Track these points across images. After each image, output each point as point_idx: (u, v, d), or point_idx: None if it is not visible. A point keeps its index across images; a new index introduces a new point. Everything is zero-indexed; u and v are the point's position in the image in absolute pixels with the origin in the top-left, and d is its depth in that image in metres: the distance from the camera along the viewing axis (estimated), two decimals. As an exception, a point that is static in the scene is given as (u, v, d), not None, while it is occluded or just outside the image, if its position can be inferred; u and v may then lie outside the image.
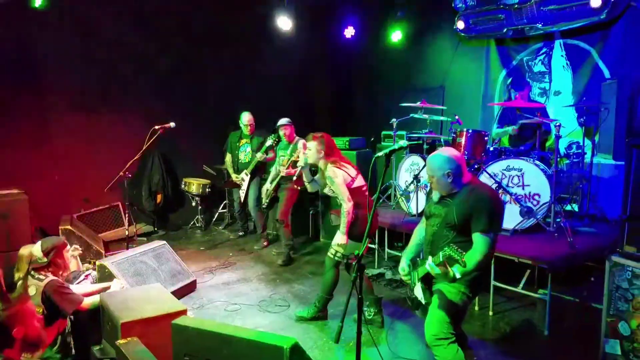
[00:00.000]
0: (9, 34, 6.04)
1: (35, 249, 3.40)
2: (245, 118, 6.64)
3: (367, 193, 4.12)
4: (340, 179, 4.00)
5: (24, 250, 3.44)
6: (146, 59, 7.22)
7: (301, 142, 5.55)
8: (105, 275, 4.25)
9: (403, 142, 2.90)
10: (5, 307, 2.32)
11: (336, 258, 4.11)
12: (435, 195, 3.07)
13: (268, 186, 6.01)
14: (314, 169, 4.41)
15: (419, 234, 3.26)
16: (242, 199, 6.54)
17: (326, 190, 4.21)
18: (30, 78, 6.33)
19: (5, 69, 6.00)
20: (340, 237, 4.01)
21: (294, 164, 5.64)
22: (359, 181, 4.13)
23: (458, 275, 2.59)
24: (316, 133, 4.21)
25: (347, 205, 3.97)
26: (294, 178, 5.76)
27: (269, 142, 6.09)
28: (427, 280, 3.02)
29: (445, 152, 2.99)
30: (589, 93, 5.86)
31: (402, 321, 4.30)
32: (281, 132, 6.02)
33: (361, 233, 3.95)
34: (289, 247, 6.03)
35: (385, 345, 3.81)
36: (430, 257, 2.69)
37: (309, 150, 4.17)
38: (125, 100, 7.11)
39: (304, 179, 4.44)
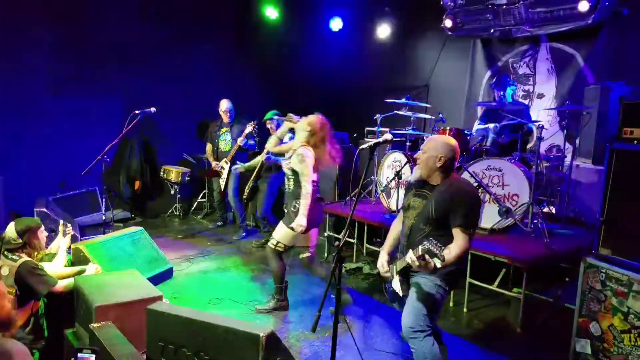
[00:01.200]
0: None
1: (9, 230, 3.32)
2: (224, 105, 6.59)
3: (316, 188, 4.14)
4: (310, 160, 3.96)
5: None
6: (129, 43, 7.08)
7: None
8: (80, 259, 4.17)
9: (388, 136, 2.90)
10: None
11: (277, 249, 4.14)
12: (414, 173, 3.07)
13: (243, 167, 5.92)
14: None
15: (396, 228, 3.26)
16: (222, 188, 6.49)
17: (285, 165, 4.11)
18: (8, 59, 6.16)
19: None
20: (301, 219, 3.93)
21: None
22: (315, 176, 4.10)
23: (439, 266, 2.61)
24: (323, 117, 4.19)
25: (309, 187, 3.95)
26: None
27: (248, 129, 6.06)
28: (405, 274, 3.03)
29: (450, 140, 3.00)
30: (572, 97, 5.92)
31: (378, 315, 4.32)
32: (268, 126, 5.91)
33: (308, 225, 4.03)
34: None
35: (362, 337, 3.83)
36: (410, 251, 2.70)
37: (304, 121, 4.13)
38: (106, 83, 6.97)
39: (276, 133, 4.49)
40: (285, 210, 4.20)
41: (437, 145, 2.94)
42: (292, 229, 3.99)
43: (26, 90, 6.37)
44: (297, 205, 4.01)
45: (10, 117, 6.24)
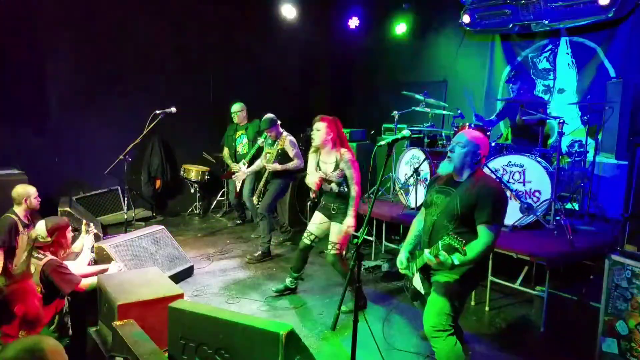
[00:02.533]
0: (10, 17, 5.98)
1: (39, 228, 3.39)
2: (235, 109, 6.65)
3: None
4: (357, 164, 4.08)
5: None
6: (149, 44, 7.18)
7: (289, 137, 5.55)
8: (103, 258, 4.24)
9: (406, 132, 2.87)
10: (7, 284, 2.32)
11: (336, 252, 4.16)
12: (442, 168, 3.03)
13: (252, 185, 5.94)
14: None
15: (417, 225, 3.23)
16: (237, 190, 6.50)
17: (332, 174, 4.13)
18: (32, 61, 6.29)
19: (7, 51, 5.95)
20: (349, 220, 4.04)
21: (281, 157, 5.54)
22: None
23: (457, 262, 2.58)
24: (326, 116, 4.18)
25: (357, 189, 4.05)
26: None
27: (260, 141, 6.02)
28: (426, 271, 3.00)
29: (483, 136, 2.99)
30: (594, 92, 5.83)
31: (399, 313, 4.30)
32: (268, 133, 5.66)
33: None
34: (266, 245, 5.71)
35: (382, 337, 3.81)
36: (426, 250, 2.67)
37: (317, 130, 4.12)
38: (127, 84, 7.07)
39: (332, 179, 4.16)
40: (324, 210, 4.30)
41: (475, 141, 2.92)
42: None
43: (50, 90, 6.49)
44: (340, 206, 4.12)
45: (34, 117, 6.37)
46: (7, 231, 4.16)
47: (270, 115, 5.58)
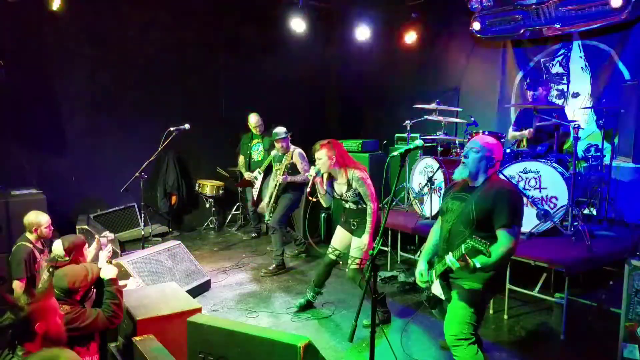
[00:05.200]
0: (26, 38, 6.14)
1: (56, 248, 3.44)
2: (253, 120, 6.70)
3: None
4: (369, 180, 4.11)
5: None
6: (161, 62, 7.29)
7: (297, 150, 5.59)
8: (121, 274, 4.28)
9: (418, 142, 2.88)
10: (30, 302, 2.35)
11: (356, 266, 4.15)
12: (457, 174, 3.03)
13: (267, 200, 5.89)
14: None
15: (435, 234, 3.23)
16: (255, 198, 6.55)
17: (347, 194, 4.16)
18: (47, 81, 6.43)
19: (23, 71, 6.08)
20: (365, 238, 4.06)
21: (290, 170, 5.61)
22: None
23: (478, 265, 2.57)
24: (322, 141, 4.21)
25: (374, 206, 4.08)
26: (307, 189, 4.74)
27: (273, 152, 6.04)
28: (445, 277, 2.99)
29: (496, 141, 3.00)
30: (609, 95, 5.77)
31: (416, 324, 4.27)
32: (277, 145, 5.72)
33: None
34: (279, 258, 5.72)
35: (399, 347, 3.79)
36: (450, 253, 2.66)
37: (319, 159, 4.16)
38: (141, 102, 7.17)
39: (318, 190, 4.31)
40: (346, 225, 4.33)
41: (489, 146, 2.93)
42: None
43: (66, 110, 6.62)
44: (361, 222, 4.15)
45: (51, 137, 6.50)
46: (24, 261, 4.01)
47: (281, 127, 5.68)
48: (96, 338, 3.05)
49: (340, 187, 4.23)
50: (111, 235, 4.20)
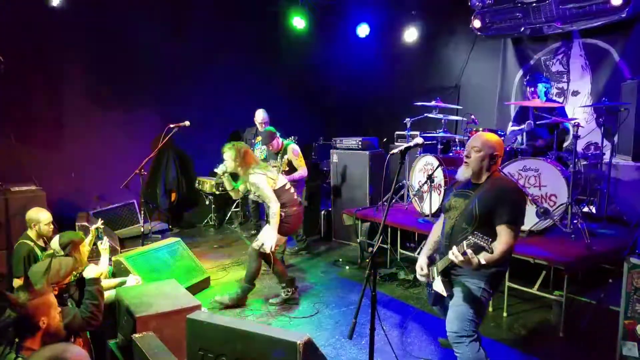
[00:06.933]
0: (26, 34, 6.12)
1: (53, 244, 3.44)
2: (259, 116, 6.64)
3: (292, 191, 4.54)
4: (263, 184, 4.31)
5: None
6: (163, 58, 7.28)
7: (292, 146, 5.61)
8: (121, 271, 4.29)
9: (418, 139, 2.89)
10: (30, 298, 2.36)
11: (262, 250, 4.37)
12: (460, 173, 3.03)
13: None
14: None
15: (436, 231, 3.23)
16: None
17: (252, 196, 4.56)
18: (47, 77, 6.41)
19: (23, 68, 6.07)
20: (270, 234, 4.30)
21: (290, 167, 5.67)
22: (281, 181, 4.48)
23: (483, 262, 2.58)
24: (229, 143, 4.50)
25: (275, 207, 4.29)
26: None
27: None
28: (447, 274, 3.00)
29: (497, 137, 3.00)
30: (609, 93, 5.77)
31: (416, 321, 4.28)
32: (269, 149, 5.81)
33: (291, 230, 4.59)
34: (279, 255, 5.62)
35: (399, 344, 3.79)
36: (454, 247, 2.67)
37: (226, 160, 4.44)
38: (141, 99, 7.17)
39: (226, 186, 4.73)
40: None
41: (491, 143, 2.93)
42: None
43: (66, 106, 6.61)
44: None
45: (51, 133, 6.49)
46: (23, 259, 3.97)
47: (266, 130, 5.71)
48: (82, 335, 3.03)
49: (246, 188, 4.60)
50: (98, 223, 4.28)
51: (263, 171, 4.39)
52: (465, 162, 2.99)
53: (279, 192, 4.39)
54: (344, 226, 6.30)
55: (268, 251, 4.35)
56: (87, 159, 6.75)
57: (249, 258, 4.57)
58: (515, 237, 2.81)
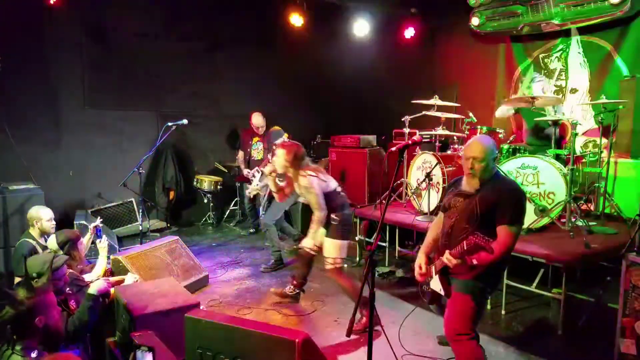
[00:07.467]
0: (23, 33, 6.11)
1: (50, 242, 3.44)
2: (256, 120, 6.66)
3: (343, 194, 4.21)
4: (316, 187, 4.00)
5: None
6: (160, 57, 7.26)
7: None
8: (119, 269, 4.29)
9: (416, 137, 2.89)
10: (29, 296, 2.36)
11: (337, 266, 4.09)
12: (467, 184, 2.98)
13: (262, 194, 5.93)
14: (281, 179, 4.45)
15: (435, 229, 3.23)
16: (251, 195, 6.53)
17: (301, 199, 4.28)
18: (44, 76, 6.40)
19: (20, 66, 6.06)
20: (328, 244, 4.06)
21: None
22: (333, 184, 4.15)
23: (475, 262, 2.57)
24: (285, 142, 4.26)
25: (319, 214, 3.98)
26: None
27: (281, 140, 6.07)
28: (445, 273, 3.00)
29: (489, 139, 2.98)
30: (607, 90, 5.77)
31: (414, 319, 4.27)
32: (274, 148, 5.78)
33: (350, 232, 4.26)
34: (277, 254, 5.69)
35: (397, 342, 3.79)
36: (447, 252, 2.67)
37: (277, 157, 4.15)
38: (139, 96, 7.16)
39: (271, 187, 4.47)
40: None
41: (489, 148, 2.90)
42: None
43: (64, 105, 6.60)
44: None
45: (50, 131, 6.48)
46: (24, 258, 3.89)
47: (277, 128, 5.71)
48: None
49: (296, 190, 4.27)
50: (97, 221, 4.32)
51: (315, 173, 4.08)
52: (471, 174, 2.95)
53: (332, 196, 4.09)
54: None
55: (340, 260, 4.10)
56: (85, 157, 6.74)
57: (333, 280, 4.21)
58: (516, 236, 2.82)
